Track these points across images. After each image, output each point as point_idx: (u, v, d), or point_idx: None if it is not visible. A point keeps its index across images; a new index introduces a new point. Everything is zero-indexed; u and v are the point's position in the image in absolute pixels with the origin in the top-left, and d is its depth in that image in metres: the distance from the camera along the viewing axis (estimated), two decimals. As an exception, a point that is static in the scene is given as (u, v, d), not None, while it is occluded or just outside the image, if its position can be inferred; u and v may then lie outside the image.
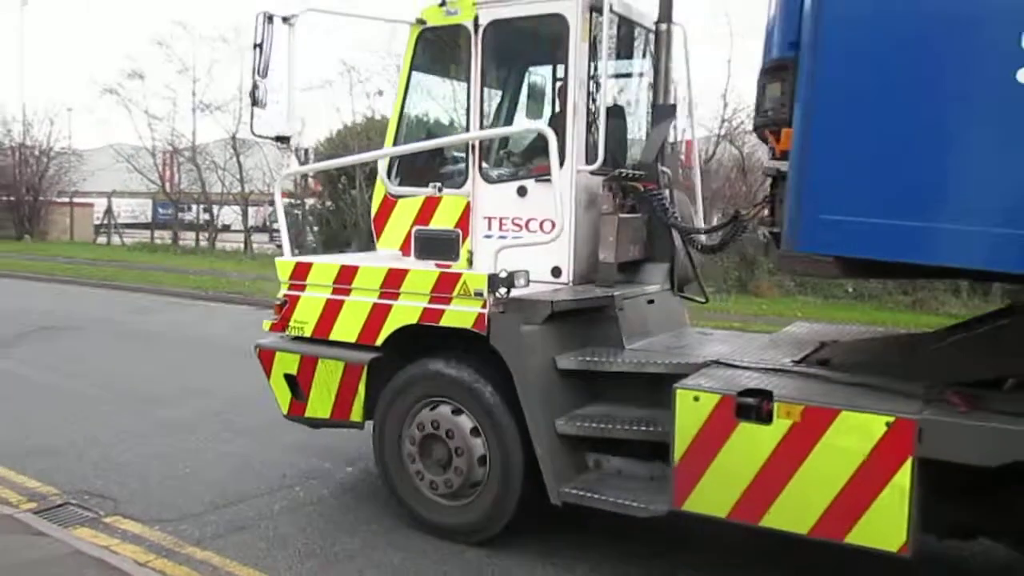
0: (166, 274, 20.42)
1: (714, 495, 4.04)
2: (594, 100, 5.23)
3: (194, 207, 30.63)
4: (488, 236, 5.38)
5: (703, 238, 5.45)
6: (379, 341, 5.03)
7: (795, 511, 3.86)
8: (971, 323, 4.56)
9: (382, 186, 5.89)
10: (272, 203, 29.33)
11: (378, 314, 5.02)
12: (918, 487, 3.63)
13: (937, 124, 3.46)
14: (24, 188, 32.29)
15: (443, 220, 5.60)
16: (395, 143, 5.80)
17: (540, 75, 6.24)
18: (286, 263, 5.44)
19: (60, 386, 8.67)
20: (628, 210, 5.40)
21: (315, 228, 24.94)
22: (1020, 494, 3.80)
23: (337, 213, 22.32)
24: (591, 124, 5.22)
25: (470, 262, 5.45)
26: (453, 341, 4.86)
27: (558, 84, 5.59)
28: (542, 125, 5.20)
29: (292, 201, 27.12)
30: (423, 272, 4.95)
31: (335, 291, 5.22)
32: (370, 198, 6.30)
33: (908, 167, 3.52)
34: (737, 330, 7.49)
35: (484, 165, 5.47)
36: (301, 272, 5.38)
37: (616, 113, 5.80)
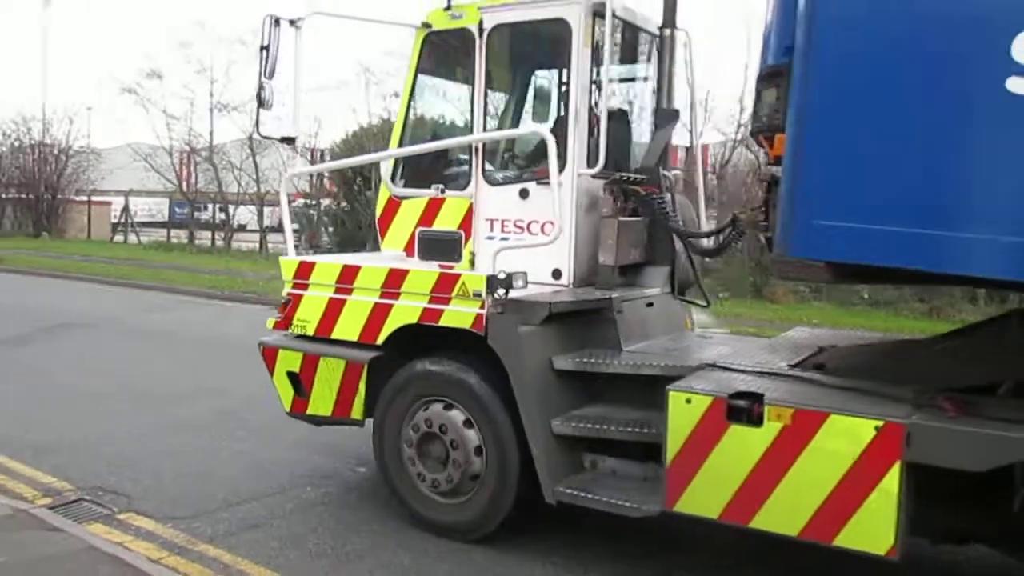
0: (182, 273, 20.67)
1: (705, 496, 4.10)
2: (596, 104, 5.30)
3: (210, 207, 30.96)
4: (490, 238, 5.48)
5: (705, 242, 5.52)
6: (380, 340, 5.14)
7: (785, 513, 3.92)
8: (966, 329, 4.61)
9: (386, 188, 6.00)
10: (288, 203, 29.78)
11: (379, 313, 5.14)
12: (907, 491, 3.69)
13: (928, 131, 3.52)
14: (43, 186, 32.78)
15: (446, 222, 5.71)
16: (400, 145, 5.91)
17: (547, 79, 6.33)
18: (290, 262, 5.57)
19: (76, 383, 8.82)
20: (630, 213, 5.47)
21: (330, 229, 25.18)
22: (1012, 499, 3.84)
23: (352, 214, 22.49)
24: (593, 128, 5.30)
25: (472, 263, 5.54)
26: (452, 341, 4.96)
27: (563, 88, 5.68)
28: (541, 129, 5.28)
29: (308, 202, 27.43)
30: (423, 272, 5.06)
31: (337, 290, 5.34)
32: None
33: (900, 173, 3.58)
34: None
35: (487, 167, 5.57)
36: (304, 271, 5.50)
37: (620, 117, 5.88)
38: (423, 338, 5.08)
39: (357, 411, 5.29)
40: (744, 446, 3.98)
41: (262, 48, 5.13)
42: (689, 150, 6.97)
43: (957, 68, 3.44)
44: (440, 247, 5.69)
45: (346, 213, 23.29)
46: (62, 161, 33.27)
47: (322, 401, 5.42)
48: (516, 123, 6.21)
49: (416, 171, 5.93)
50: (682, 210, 5.73)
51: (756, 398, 3.96)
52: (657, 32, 5.68)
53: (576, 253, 5.29)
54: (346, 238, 22.61)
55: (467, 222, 5.60)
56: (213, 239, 29.54)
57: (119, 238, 32.64)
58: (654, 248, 5.61)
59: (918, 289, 14.96)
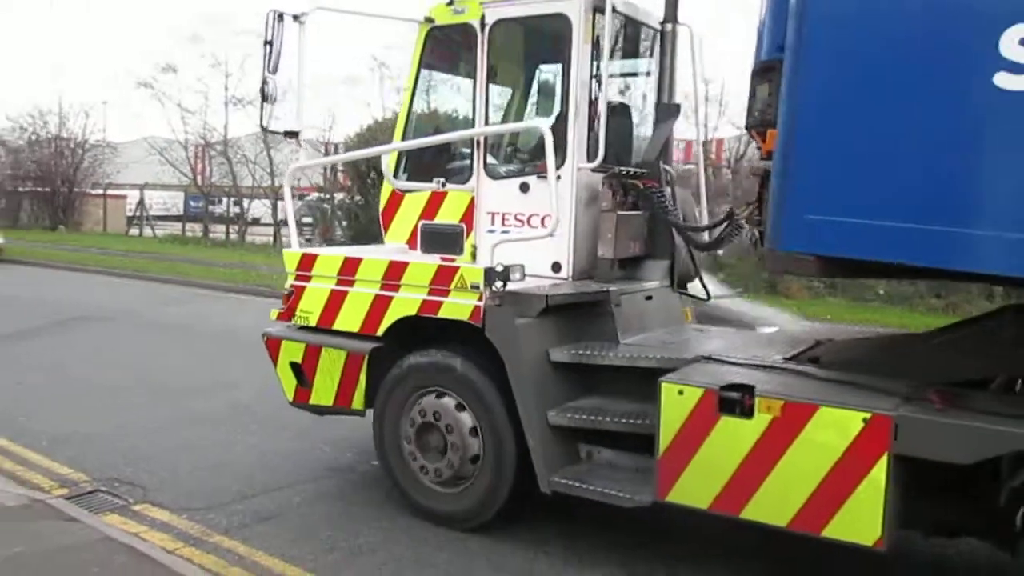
0: (197, 266, 20.94)
1: (696, 487, 4.19)
2: (596, 99, 5.38)
3: (225, 200, 31.29)
4: (491, 231, 5.57)
5: (705, 235, 5.59)
6: (380, 331, 5.25)
7: (774, 504, 3.99)
8: (961, 324, 4.66)
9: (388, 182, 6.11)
10: (302, 197, 30.03)
11: (379, 305, 5.25)
12: (895, 483, 3.76)
13: (917, 127, 3.58)
14: (59, 180, 33.25)
15: (448, 215, 5.81)
16: (404, 140, 6.02)
17: (551, 73, 6.40)
18: (293, 254, 5.69)
19: (92, 375, 8.97)
20: (630, 207, 5.55)
21: (344, 223, 25.38)
22: (999, 493, 3.90)
23: (366, 208, 22.61)
24: (593, 122, 5.38)
25: (474, 256, 5.64)
26: (451, 333, 5.06)
27: (564, 83, 5.75)
28: (538, 123, 5.37)
29: (321, 196, 27.67)
30: (422, 265, 5.16)
31: (339, 282, 5.46)
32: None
33: (888, 169, 3.64)
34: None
35: (488, 161, 5.66)
36: (307, 263, 5.63)
37: (622, 112, 5.95)
38: (423, 330, 5.19)
39: (358, 401, 5.41)
40: (735, 438, 4.06)
41: (266, 43, 5.25)
42: (694, 144, 7.01)
43: (945, 64, 3.51)
44: (442, 240, 5.79)
45: (360, 207, 23.45)
46: (78, 155, 33.74)
47: (324, 391, 5.54)
48: (520, 118, 6.29)
49: (419, 165, 6.02)
50: (683, 204, 5.80)
51: (747, 390, 4.04)
52: (659, 27, 5.76)
53: (576, 246, 5.37)
54: (360, 232, 22.76)
55: (469, 215, 5.70)
56: (227, 232, 29.87)
57: (134, 231, 33.03)
58: (654, 242, 5.69)
59: (935, 285, 14.90)
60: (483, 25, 5.54)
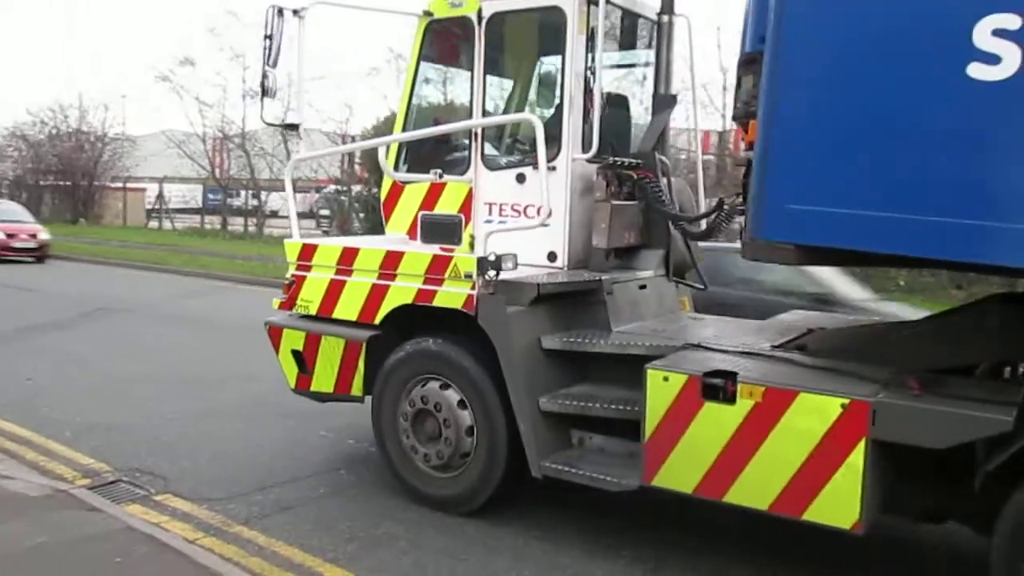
0: (216, 259, 21.31)
1: (681, 471, 4.32)
2: (590, 90, 5.50)
3: (243, 193, 31.70)
4: (489, 221, 5.72)
5: (702, 224, 5.69)
6: (378, 320, 5.43)
7: (756, 488, 4.12)
8: (949, 312, 4.75)
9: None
10: (319, 189, 30.33)
11: (377, 294, 5.42)
12: (874, 468, 3.87)
13: (892, 117, 3.66)
14: (79, 173, 33.87)
15: (447, 206, 5.96)
16: (404, 131, 6.19)
17: (552, 65, 6.53)
18: (293, 244, 5.89)
19: (114, 367, 9.18)
20: (626, 197, 5.68)
21: (361, 215, 25.65)
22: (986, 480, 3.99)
23: (383, 200, 22.84)
24: (588, 114, 5.51)
25: (472, 246, 5.80)
26: (446, 321, 5.22)
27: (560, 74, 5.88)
28: (530, 115, 5.50)
29: (338, 188, 27.97)
30: (418, 254, 5.33)
31: (338, 272, 5.64)
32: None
33: (865, 158, 3.74)
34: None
35: (486, 153, 5.81)
36: (307, 253, 5.81)
37: (619, 102, 6.08)
38: (419, 318, 5.35)
39: (357, 388, 5.59)
40: (718, 423, 4.18)
41: (265, 37, 5.43)
42: (690, 134, 7.13)
43: (920, 55, 3.59)
44: (441, 230, 5.95)
45: (377, 199, 23.63)
46: (98, 148, 34.38)
47: (324, 378, 5.74)
48: (521, 109, 6.41)
49: (418, 156, 6.18)
50: (679, 194, 5.91)
51: (730, 376, 4.16)
52: (656, 18, 5.87)
53: (571, 236, 5.51)
54: (377, 224, 22.85)
55: (467, 206, 5.85)
56: (246, 225, 30.29)
57: (154, 224, 33.59)
58: (649, 232, 5.81)
59: (956, 276, 14.85)
60: (480, 18, 5.68)
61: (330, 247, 5.76)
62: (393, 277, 5.37)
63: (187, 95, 30.21)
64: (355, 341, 5.49)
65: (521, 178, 5.60)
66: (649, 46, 6.22)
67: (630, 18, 6.04)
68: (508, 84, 6.37)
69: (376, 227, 22.93)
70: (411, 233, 6.15)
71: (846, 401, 3.86)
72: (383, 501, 5.45)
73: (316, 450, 6.50)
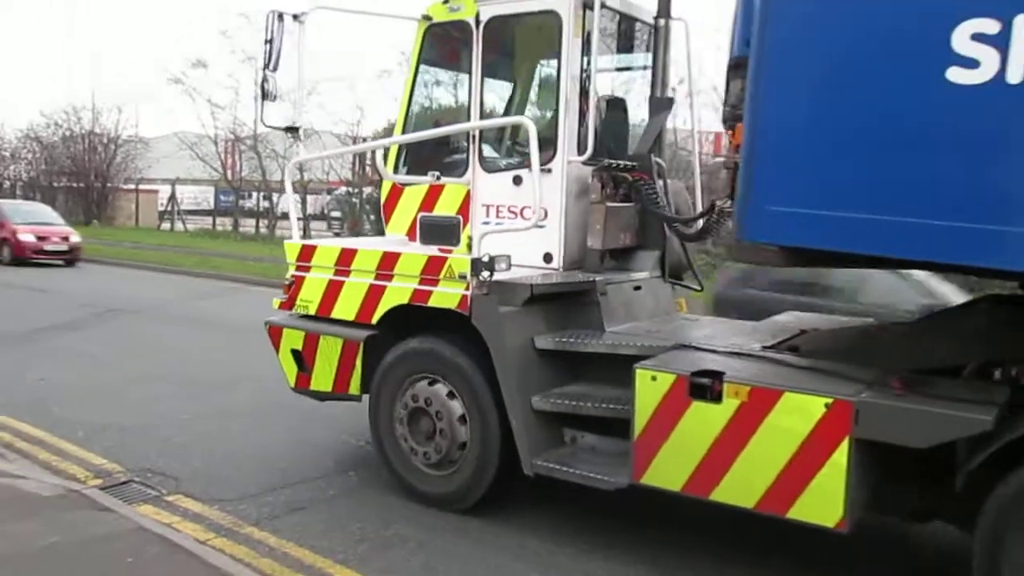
0: (228, 260, 21.58)
1: (669, 470, 4.41)
2: (586, 93, 5.61)
3: (254, 194, 32.01)
4: (486, 223, 5.83)
5: (696, 226, 5.79)
6: (375, 319, 5.56)
7: (742, 486, 4.21)
8: (939, 313, 4.83)
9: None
10: (330, 191, 30.54)
11: (374, 294, 5.55)
12: (857, 466, 3.95)
13: (873, 121, 3.76)
14: (93, 175, 34.30)
15: (445, 207, 6.08)
16: (403, 134, 6.32)
17: (549, 68, 6.64)
18: (293, 245, 6.03)
19: (126, 368, 9.32)
20: (621, 199, 5.78)
21: (372, 216, 25.83)
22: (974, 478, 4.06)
23: (393, 201, 23.00)
24: (583, 116, 5.61)
25: (470, 247, 5.91)
26: (441, 321, 5.34)
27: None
28: (522, 117, 5.61)
29: (350, 190, 28.18)
30: (413, 255, 5.45)
31: (336, 272, 5.78)
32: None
33: (847, 161, 3.83)
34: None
35: (483, 155, 5.92)
36: (307, 254, 5.95)
37: (616, 105, 6.18)
38: (415, 318, 5.47)
39: (354, 387, 5.72)
40: (705, 422, 4.28)
41: (266, 42, 5.57)
42: (691, 135, 7.23)
43: (900, 60, 3.68)
44: (440, 232, 6.07)
45: (386, 201, 23.80)
46: (111, 150, 34.81)
47: (323, 377, 5.87)
48: (521, 112, 6.53)
49: (417, 159, 6.31)
50: (675, 196, 6.02)
51: (716, 376, 4.25)
52: (653, 22, 5.97)
53: (566, 238, 5.61)
54: (386, 225, 23.14)
55: (465, 208, 5.96)
56: (257, 226, 30.60)
57: (166, 225, 33.96)
58: (645, 233, 5.92)
59: (970, 280, 14.83)
60: (478, 22, 5.79)
61: (329, 248, 5.90)
62: (390, 278, 5.50)
63: (199, 97, 30.56)
64: (352, 341, 5.62)
65: (518, 180, 5.70)
66: (647, 50, 6.32)
67: (627, 22, 6.14)
68: (506, 87, 6.49)
69: (387, 228, 23.16)
70: (411, 234, 6.27)
71: (830, 400, 3.95)
72: (393, 502, 5.51)
73: (326, 451, 6.58)
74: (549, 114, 5.82)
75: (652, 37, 6.04)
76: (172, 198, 33.94)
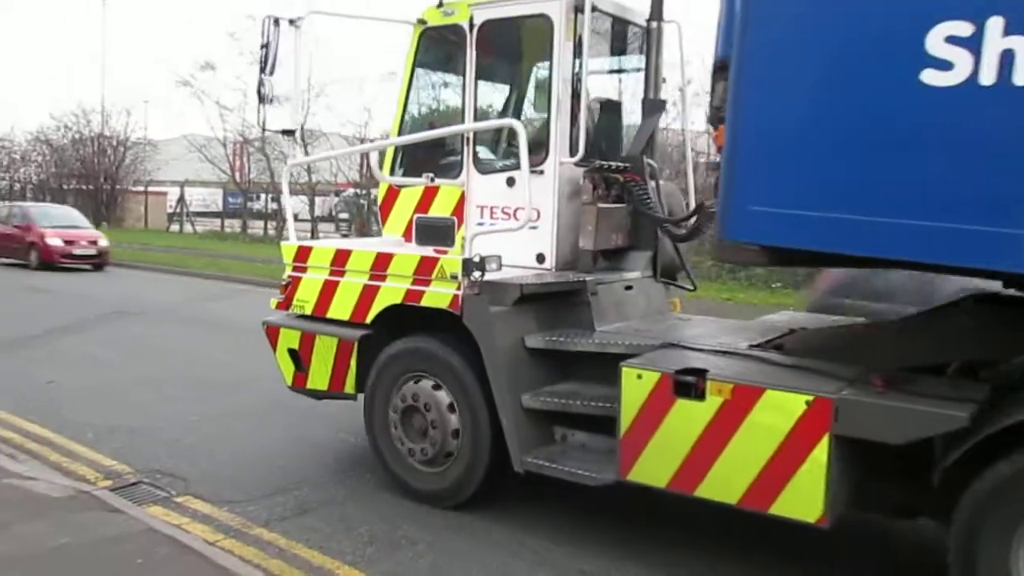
0: (237, 262, 21.80)
1: (654, 466, 4.51)
2: (577, 95, 5.71)
3: (263, 196, 32.27)
4: (481, 224, 5.95)
5: (690, 225, 5.88)
6: (369, 319, 5.68)
7: (725, 482, 4.30)
8: (925, 313, 4.90)
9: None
10: (338, 193, 30.71)
11: (368, 294, 5.68)
12: (838, 463, 4.04)
13: (850, 122, 3.85)
14: (102, 177, 34.68)
15: (441, 208, 6.20)
16: (399, 136, 6.45)
17: (542, 71, 6.75)
18: (290, 247, 6.17)
19: (135, 369, 9.45)
20: (614, 201, 5.89)
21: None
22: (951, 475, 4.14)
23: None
24: (575, 118, 5.72)
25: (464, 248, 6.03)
26: (434, 320, 5.46)
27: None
28: (511, 120, 5.72)
29: (357, 191, 28.39)
30: (406, 256, 5.57)
31: (332, 273, 5.92)
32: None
33: (825, 162, 3.92)
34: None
35: (477, 157, 6.04)
36: (303, 255, 6.09)
37: (609, 107, 6.29)
38: (408, 318, 5.59)
39: (349, 386, 5.85)
40: (689, 419, 4.37)
41: (262, 46, 5.72)
42: (683, 135, 7.34)
43: (876, 62, 3.77)
44: (435, 233, 6.18)
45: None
46: (120, 152, 35.19)
47: (319, 376, 6.01)
48: (517, 115, 6.64)
49: (413, 161, 6.43)
50: (668, 197, 6.11)
51: (700, 374, 4.35)
52: (645, 24, 6.08)
53: (558, 238, 5.71)
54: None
55: (460, 209, 6.07)
56: (265, 228, 30.86)
57: (175, 227, 34.28)
58: (637, 234, 6.02)
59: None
60: (471, 26, 5.92)
61: (324, 249, 6.04)
62: (383, 278, 5.63)
63: (208, 100, 30.86)
64: (347, 340, 5.75)
65: (511, 182, 5.81)
66: (641, 52, 6.42)
67: (620, 24, 6.25)
68: (501, 90, 6.60)
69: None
70: (407, 235, 6.39)
71: (810, 398, 4.03)
72: (401, 504, 5.57)
73: (335, 453, 6.66)
74: (542, 116, 5.93)
75: (645, 39, 6.14)
76: (181, 200, 34.28)
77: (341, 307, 5.83)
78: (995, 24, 3.49)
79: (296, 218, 30.73)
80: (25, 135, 38.87)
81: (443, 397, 5.38)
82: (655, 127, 6.11)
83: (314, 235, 27.89)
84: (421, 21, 6.21)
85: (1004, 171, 3.55)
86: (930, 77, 3.63)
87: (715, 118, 4.48)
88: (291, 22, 5.86)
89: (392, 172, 6.48)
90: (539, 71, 6.31)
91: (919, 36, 3.64)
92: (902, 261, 4.00)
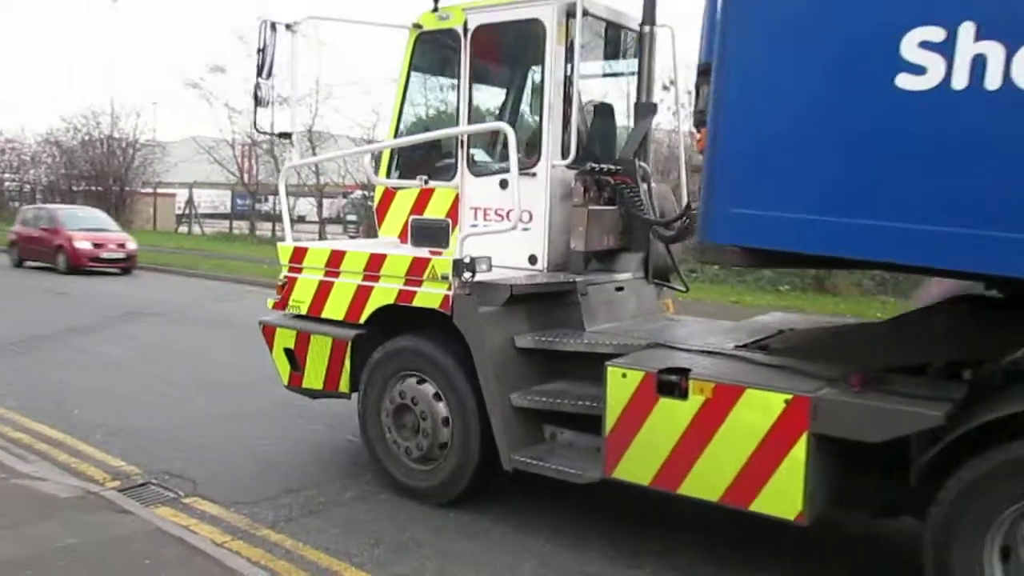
0: (245, 263, 21.95)
1: (638, 464, 4.62)
2: (569, 99, 5.83)
3: (271, 198, 32.51)
4: (475, 225, 6.08)
5: (678, 227, 5.99)
6: (362, 319, 5.82)
7: (707, 480, 4.40)
8: (907, 314, 5.00)
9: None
10: (346, 195, 30.89)
11: (361, 295, 5.81)
12: (816, 461, 4.13)
13: (828, 126, 3.96)
14: (111, 179, 35.02)
15: (436, 210, 6.33)
16: (395, 139, 6.59)
17: (535, 74, 6.85)
18: (286, 247, 6.31)
19: (144, 370, 9.59)
20: (605, 203, 6.00)
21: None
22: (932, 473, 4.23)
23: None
24: (567, 122, 5.83)
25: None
26: (426, 320, 5.58)
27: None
28: (501, 123, 5.84)
29: (365, 193, 28.53)
30: (399, 257, 5.70)
31: (327, 273, 6.05)
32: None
33: (803, 165, 4.04)
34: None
35: (471, 159, 6.17)
36: (299, 256, 6.23)
37: (603, 111, 6.41)
38: (401, 318, 5.72)
39: (344, 385, 5.98)
40: (672, 418, 4.48)
41: (259, 50, 5.86)
42: (675, 137, 7.44)
43: (854, 67, 3.88)
44: (430, 234, 6.27)
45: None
46: (129, 154, 35.51)
47: (314, 375, 6.14)
48: (512, 118, 6.76)
49: (409, 163, 6.57)
50: (661, 200, 6.22)
51: (683, 373, 4.46)
52: (638, 28, 6.19)
53: (550, 240, 5.84)
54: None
55: (454, 211, 6.21)
56: (273, 230, 31.05)
57: (183, 229, 34.60)
58: (629, 235, 6.13)
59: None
60: (466, 30, 6.05)
61: (319, 250, 6.17)
62: (377, 279, 5.76)
63: (216, 102, 31.20)
64: (341, 340, 5.89)
65: (504, 184, 5.93)
66: (634, 56, 6.53)
67: (613, 29, 6.36)
68: (495, 93, 6.73)
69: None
70: (402, 237, 6.52)
71: (789, 397, 4.13)
72: (409, 506, 5.63)
73: (343, 454, 6.72)
74: (535, 119, 6.05)
75: (637, 43, 6.25)
76: (189, 202, 34.63)
77: (335, 307, 5.97)
78: (967, 30, 3.60)
79: (304, 220, 31.07)
80: (35, 137, 39.42)
81: (434, 396, 5.50)
82: (647, 130, 6.22)
83: (322, 236, 28.05)
84: (416, 25, 6.35)
85: (977, 173, 3.65)
86: (905, 81, 3.74)
87: (699, 121, 4.58)
88: (288, 27, 6.00)
89: (388, 175, 6.62)
90: (533, 75, 6.42)
91: (894, 41, 3.75)
92: (882, 263, 4.10)
